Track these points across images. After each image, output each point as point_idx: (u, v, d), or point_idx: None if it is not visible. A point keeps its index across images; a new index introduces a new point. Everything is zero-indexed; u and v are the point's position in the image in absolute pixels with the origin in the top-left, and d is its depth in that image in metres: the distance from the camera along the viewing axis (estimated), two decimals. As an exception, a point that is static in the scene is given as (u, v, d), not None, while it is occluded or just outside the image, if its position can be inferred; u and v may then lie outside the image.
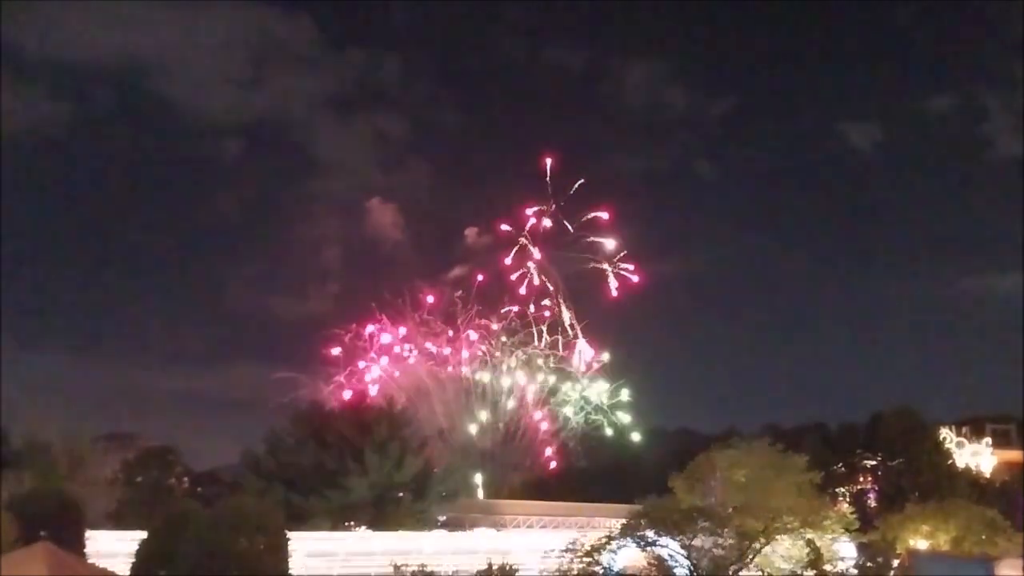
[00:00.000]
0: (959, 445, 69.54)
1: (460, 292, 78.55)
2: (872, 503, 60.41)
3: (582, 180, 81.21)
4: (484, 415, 76.01)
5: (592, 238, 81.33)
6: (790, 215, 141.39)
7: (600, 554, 37.05)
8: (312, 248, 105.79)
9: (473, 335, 77.91)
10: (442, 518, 51.05)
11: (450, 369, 77.08)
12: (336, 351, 76.63)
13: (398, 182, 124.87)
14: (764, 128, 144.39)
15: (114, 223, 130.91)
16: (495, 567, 35.46)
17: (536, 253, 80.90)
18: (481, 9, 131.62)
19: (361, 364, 76.97)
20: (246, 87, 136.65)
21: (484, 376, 76.53)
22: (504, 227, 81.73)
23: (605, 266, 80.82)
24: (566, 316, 79.68)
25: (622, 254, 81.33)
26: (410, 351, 78.02)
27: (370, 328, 77.69)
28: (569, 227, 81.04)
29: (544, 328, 79.04)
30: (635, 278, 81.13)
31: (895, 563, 45.48)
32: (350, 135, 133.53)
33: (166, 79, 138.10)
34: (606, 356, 79.58)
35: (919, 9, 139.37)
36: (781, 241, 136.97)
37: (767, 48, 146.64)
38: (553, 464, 76.36)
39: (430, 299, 78.79)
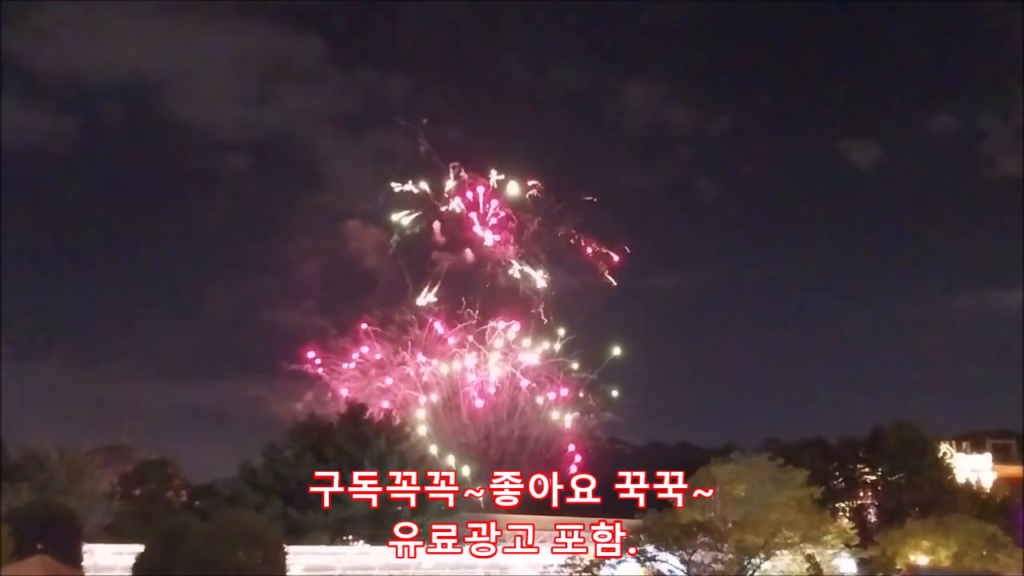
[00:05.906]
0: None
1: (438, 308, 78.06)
2: (872, 518, 60.28)
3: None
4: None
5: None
6: (790, 232, 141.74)
7: (599, 569, 36.89)
8: (314, 263, 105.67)
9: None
10: None
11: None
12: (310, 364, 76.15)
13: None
14: (765, 146, 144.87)
15: (115, 237, 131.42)
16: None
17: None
18: (487, 30, 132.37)
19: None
20: (253, 104, 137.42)
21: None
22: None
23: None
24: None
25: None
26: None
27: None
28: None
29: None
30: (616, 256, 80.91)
31: (895, 579, 45.37)
32: (357, 153, 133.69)
33: (173, 95, 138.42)
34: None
35: (919, 28, 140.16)
36: (781, 257, 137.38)
37: (767, 67, 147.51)
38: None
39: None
